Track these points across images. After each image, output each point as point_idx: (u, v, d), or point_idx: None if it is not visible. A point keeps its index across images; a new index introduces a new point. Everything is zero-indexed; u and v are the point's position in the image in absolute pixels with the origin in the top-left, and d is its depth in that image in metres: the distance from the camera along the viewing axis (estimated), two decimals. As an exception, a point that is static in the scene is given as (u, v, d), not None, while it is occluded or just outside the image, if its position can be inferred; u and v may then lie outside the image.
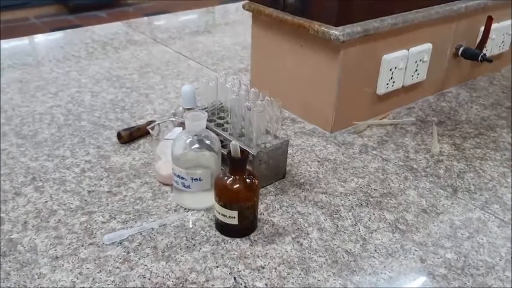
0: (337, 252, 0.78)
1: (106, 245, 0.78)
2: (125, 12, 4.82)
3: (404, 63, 1.17)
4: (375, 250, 0.79)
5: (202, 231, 0.81)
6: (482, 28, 1.33)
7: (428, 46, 1.21)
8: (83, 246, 0.77)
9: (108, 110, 1.21)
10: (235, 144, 0.77)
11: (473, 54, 1.32)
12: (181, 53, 1.60)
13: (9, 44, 1.64)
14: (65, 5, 4.64)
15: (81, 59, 1.54)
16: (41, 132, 1.10)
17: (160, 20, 2.08)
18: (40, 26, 4.30)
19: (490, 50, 1.41)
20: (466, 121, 1.22)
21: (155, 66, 1.49)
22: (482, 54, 1.30)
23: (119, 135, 1.06)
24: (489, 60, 1.30)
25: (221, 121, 0.99)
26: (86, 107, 1.22)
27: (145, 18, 2.12)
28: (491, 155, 1.08)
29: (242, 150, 0.78)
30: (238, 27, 1.91)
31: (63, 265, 0.74)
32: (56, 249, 0.77)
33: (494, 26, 1.32)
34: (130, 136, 1.07)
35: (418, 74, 1.23)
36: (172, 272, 0.73)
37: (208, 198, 0.83)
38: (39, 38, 1.80)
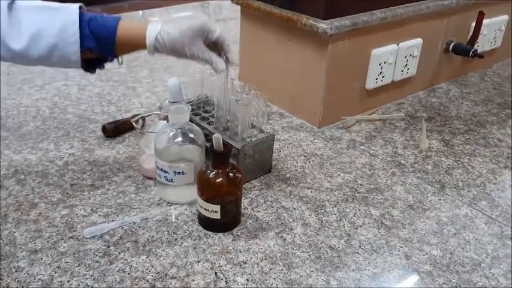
0: (320, 248, 0.77)
1: (86, 238, 0.76)
2: (120, 7, 4.78)
3: (394, 58, 1.16)
4: (359, 246, 0.78)
5: (184, 226, 0.80)
6: (474, 24, 1.32)
7: (418, 41, 1.20)
8: (62, 239, 0.76)
9: (94, 104, 1.20)
10: (217, 137, 0.75)
11: (465, 50, 1.31)
12: (171, 47, 1.58)
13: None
14: (59, 0, 4.60)
15: (70, 52, 1.52)
16: (26, 125, 1.09)
17: (153, 15, 2.06)
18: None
19: (481, 45, 1.41)
20: (456, 117, 1.21)
21: (143, 60, 1.47)
22: (473, 49, 1.29)
23: (104, 129, 1.05)
24: (480, 56, 1.30)
25: (206, 115, 0.98)
26: (72, 100, 1.21)
27: (138, 12, 2.10)
28: (480, 151, 1.07)
29: (225, 144, 0.77)
30: (230, 22, 1.90)
31: (41, 258, 0.72)
32: (35, 243, 0.75)
33: (485, 21, 1.31)
34: (116, 130, 1.05)
35: (408, 69, 1.22)
36: (153, 267, 0.72)
37: (192, 192, 0.82)
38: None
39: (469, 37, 1.33)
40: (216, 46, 0.83)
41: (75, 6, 0.77)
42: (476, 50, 1.30)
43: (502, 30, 1.45)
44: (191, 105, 0.96)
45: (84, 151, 1.00)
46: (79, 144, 1.02)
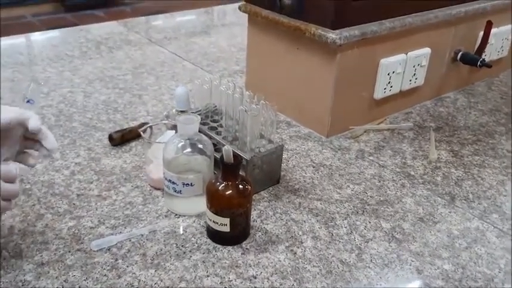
0: (331, 262, 0.76)
1: (94, 251, 0.75)
2: (123, 11, 4.79)
3: (402, 67, 1.15)
4: (371, 260, 0.77)
5: (193, 238, 0.79)
6: (482, 33, 1.31)
7: (426, 50, 1.19)
8: (69, 252, 0.75)
9: (100, 111, 1.19)
10: (228, 149, 0.74)
11: (472, 59, 1.30)
12: (177, 54, 1.58)
13: (2, 42, 1.61)
14: (62, 4, 4.61)
15: (75, 58, 1.52)
16: (31, 133, 1.08)
17: (157, 20, 2.06)
18: (36, 24, 4.27)
19: (488, 55, 1.40)
20: (464, 127, 1.20)
21: (149, 67, 1.46)
22: (481, 59, 1.29)
23: (110, 137, 1.04)
24: (488, 65, 1.29)
25: (215, 124, 0.97)
26: (78, 108, 1.20)
27: (141, 18, 2.09)
28: (489, 162, 1.06)
29: (235, 155, 0.76)
30: (235, 28, 1.89)
31: (48, 272, 0.71)
32: (41, 255, 0.74)
33: (493, 30, 1.31)
34: (122, 138, 1.04)
35: (416, 79, 1.21)
36: (161, 281, 0.70)
37: (200, 204, 0.81)
38: (33, 37, 1.77)
39: (476, 46, 1.32)
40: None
41: None
42: (484, 60, 1.29)
43: (509, 40, 1.44)
44: (199, 114, 0.95)
45: (91, 160, 0.99)
46: (85, 153, 1.01)
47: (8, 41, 1.64)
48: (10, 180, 0.67)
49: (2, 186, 0.66)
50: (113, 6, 4.81)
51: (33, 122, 0.69)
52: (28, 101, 0.72)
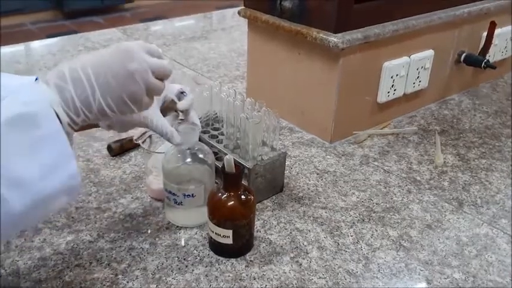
0: (338, 273, 0.73)
1: (93, 266, 0.73)
2: (122, 17, 4.79)
3: (405, 70, 1.13)
4: (378, 270, 0.74)
5: (195, 251, 0.77)
6: (485, 34, 1.28)
7: (430, 53, 1.17)
8: (68, 268, 0.73)
9: (99, 120, 1.16)
10: (229, 159, 0.72)
11: (476, 61, 1.28)
12: (176, 60, 1.56)
13: (1, 50, 1.60)
14: (60, 11, 4.61)
15: (73, 66, 1.49)
16: (29, 144, 1.06)
17: (156, 26, 2.03)
18: (36, 32, 4.27)
19: (492, 56, 1.37)
20: (469, 130, 1.18)
21: (149, 74, 1.44)
22: (485, 60, 1.26)
23: (109, 148, 1.02)
24: (493, 66, 1.27)
25: (215, 132, 0.95)
26: (76, 117, 1.18)
27: (140, 24, 2.08)
28: (497, 165, 1.03)
29: (236, 164, 0.74)
30: (235, 33, 1.87)
31: (46, 289, 0.69)
32: (39, 272, 0.72)
33: (497, 31, 1.28)
34: (122, 148, 1.02)
35: (419, 82, 1.19)
36: (163, 296, 0.68)
37: (202, 215, 0.78)
38: (32, 45, 1.75)
39: (480, 47, 1.30)
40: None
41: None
42: (488, 61, 1.27)
43: (513, 40, 1.42)
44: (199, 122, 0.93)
45: (89, 171, 0.97)
46: (84, 165, 0.99)
47: (6, 50, 1.62)
48: (164, 76, 0.64)
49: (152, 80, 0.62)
50: (112, 12, 4.81)
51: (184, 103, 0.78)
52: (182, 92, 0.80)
